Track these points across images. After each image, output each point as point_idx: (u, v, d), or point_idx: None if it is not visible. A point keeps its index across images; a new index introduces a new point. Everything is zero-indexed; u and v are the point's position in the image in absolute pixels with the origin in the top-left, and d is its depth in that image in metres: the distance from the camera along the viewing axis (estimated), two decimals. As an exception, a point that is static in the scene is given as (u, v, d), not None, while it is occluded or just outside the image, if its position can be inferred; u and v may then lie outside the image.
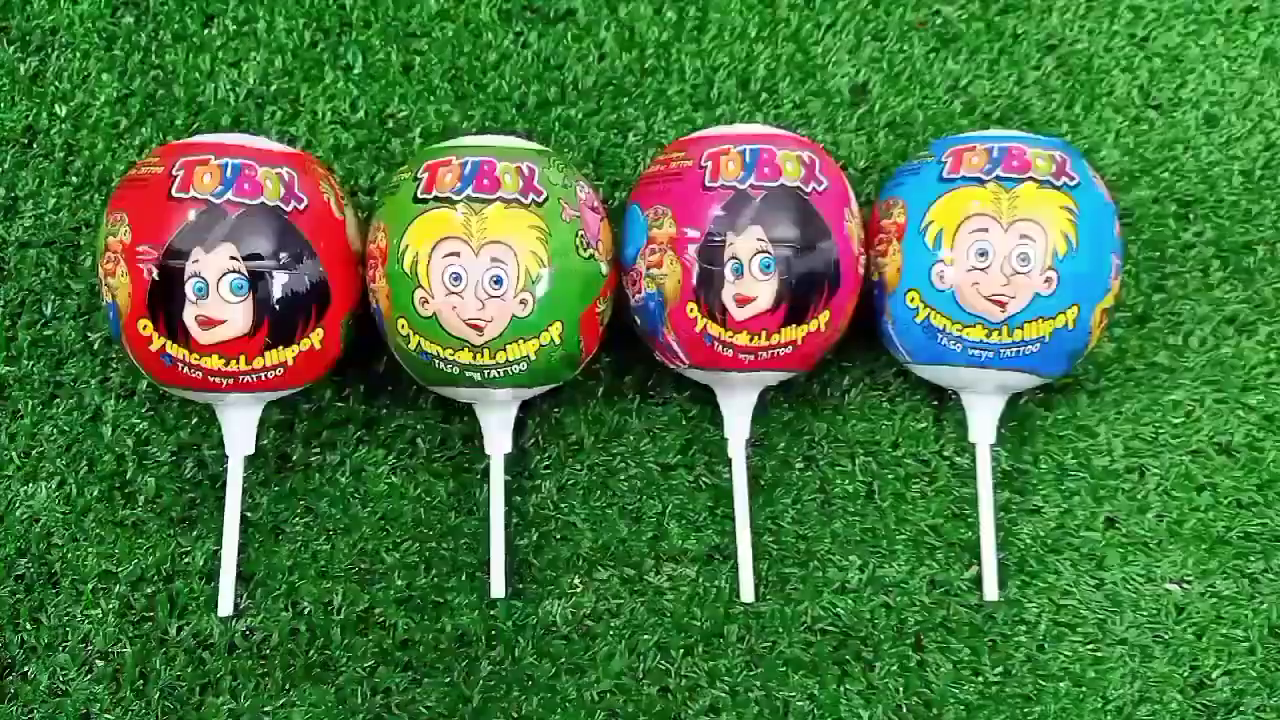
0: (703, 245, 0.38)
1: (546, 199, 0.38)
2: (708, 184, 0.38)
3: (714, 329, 0.39)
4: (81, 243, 0.46)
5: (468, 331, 0.37)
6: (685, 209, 0.39)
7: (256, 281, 0.37)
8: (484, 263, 0.37)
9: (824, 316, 0.39)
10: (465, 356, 0.38)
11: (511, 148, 0.39)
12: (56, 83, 0.47)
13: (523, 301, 0.37)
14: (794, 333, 0.39)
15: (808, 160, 0.39)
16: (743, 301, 0.38)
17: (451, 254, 0.37)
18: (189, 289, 0.36)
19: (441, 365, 0.38)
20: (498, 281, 0.37)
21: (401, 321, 0.38)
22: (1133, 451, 0.45)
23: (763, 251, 0.38)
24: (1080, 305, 0.39)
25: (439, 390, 0.41)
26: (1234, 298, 0.46)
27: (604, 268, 0.40)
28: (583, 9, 0.48)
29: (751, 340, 0.39)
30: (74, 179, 0.46)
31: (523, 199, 0.37)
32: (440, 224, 0.37)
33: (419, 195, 0.38)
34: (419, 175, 0.38)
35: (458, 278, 0.37)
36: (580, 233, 0.38)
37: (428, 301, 0.37)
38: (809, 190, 0.39)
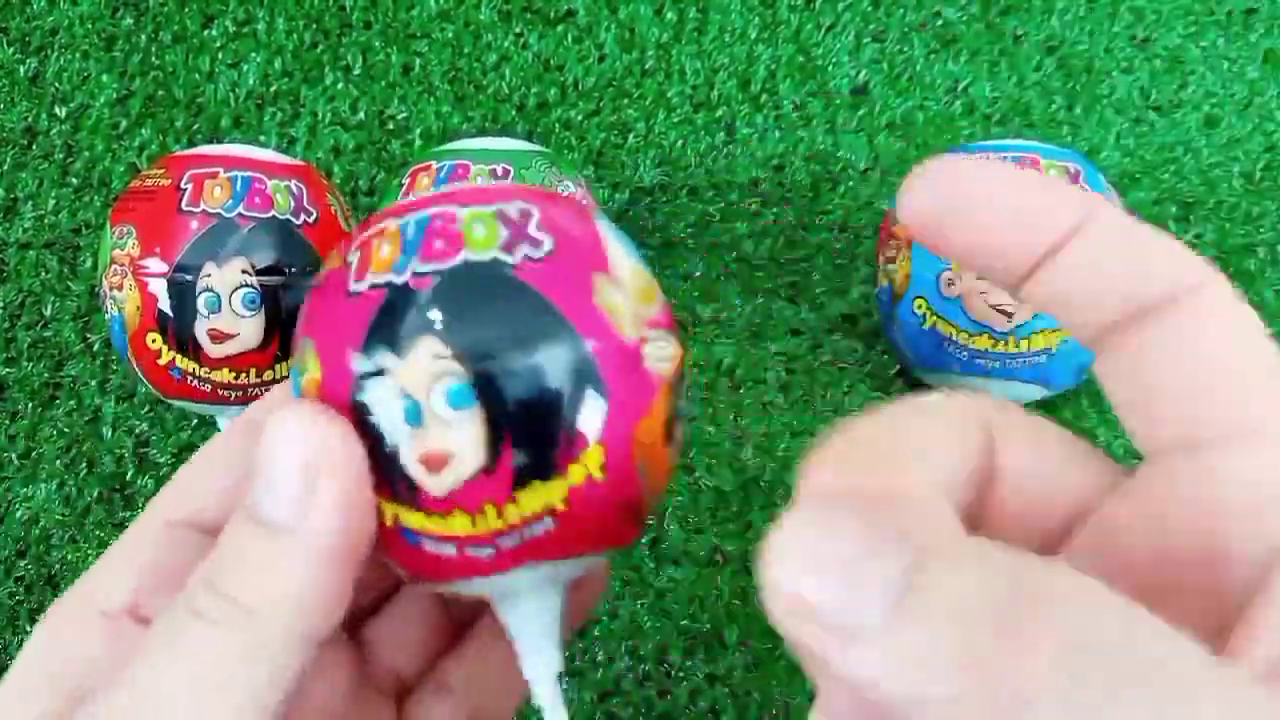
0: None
1: None
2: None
3: (409, 518, 0.19)
4: (81, 244, 0.46)
5: None
6: None
7: (269, 295, 0.37)
8: None
9: (591, 457, 0.18)
10: None
11: (493, 150, 0.39)
12: (56, 83, 0.47)
13: None
14: (536, 497, 0.18)
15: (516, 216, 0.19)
16: (435, 463, 0.18)
17: None
18: (201, 303, 0.37)
19: None
20: None
21: None
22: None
23: (451, 374, 0.18)
24: None
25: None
26: (1235, 299, 0.46)
27: None
28: (583, 10, 0.48)
29: (476, 525, 0.18)
30: (74, 180, 0.46)
31: None
32: None
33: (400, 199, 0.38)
34: (403, 180, 0.38)
35: None
36: None
37: None
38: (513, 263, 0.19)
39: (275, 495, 0.17)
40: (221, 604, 0.17)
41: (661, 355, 0.19)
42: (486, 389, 0.18)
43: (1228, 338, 0.15)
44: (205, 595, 0.17)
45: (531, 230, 0.19)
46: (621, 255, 0.20)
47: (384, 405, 0.18)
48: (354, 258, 0.19)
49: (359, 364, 0.18)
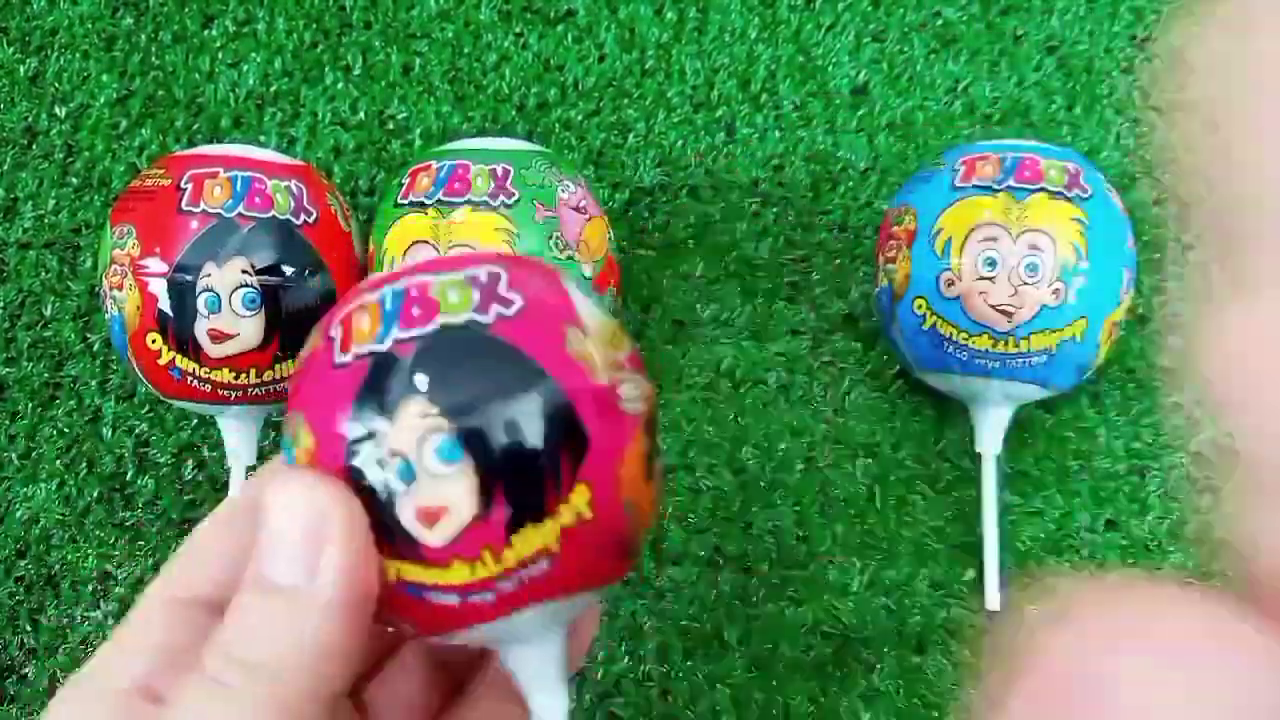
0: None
1: (518, 200, 0.38)
2: None
3: (411, 572, 0.19)
4: (81, 244, 0.46)
5: None
6: None
7: (268, 295, 0.37)
8: None
9: (578, 497, 0.19)
10: None
11: (493, 150, 0.39)
12: (56, 83, 0.47)
13: None
14: (530, 540, 0.19)
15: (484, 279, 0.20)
16: (431, 516, 0.19)
17: (422, 258, 0.37)
18: (201, 303, 0.36)
19: None
20: None
21: None
22: (1134, 453, 0.45)
23: (439, 430, 0.19)
24: (1089, 318, 0.38)
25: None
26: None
27: (588, 268, 0.40)
28: (583, 10, 0.48)
29: (475, 572, 0.19)
30: (74, 180, 0.46)
31: (491, 201, 0.37)
32: (412, 228, 0.37)
33: (398, 200, 0.38)
34: (403, 180, 0.38)
35: None
36: (555, 234, 0.38)
37: None
38: (488, 322, 0.20)
39: (283, 560, 0.18)
40: (240, 670, 0.17)
41: (634, 395, 0.20)
42: (474, 441, 0.18)
43: None
44: (224, 664, 0.18)
45: (501, 290, 0.20)
46: (588, 306, 0.21)
47: (378, 466, 0.19)
48: (336, 333, 0.20)
49: (351, 429, 0.19)
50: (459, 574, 0.19)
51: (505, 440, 0.19)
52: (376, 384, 0.19)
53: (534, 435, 0.19)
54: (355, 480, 0.19)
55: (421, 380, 0.19)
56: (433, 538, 0.19)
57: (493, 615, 0.20)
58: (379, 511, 0.19)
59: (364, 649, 0.19)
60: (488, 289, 0.20)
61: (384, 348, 0.19)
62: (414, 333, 0.19)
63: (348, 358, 0.20)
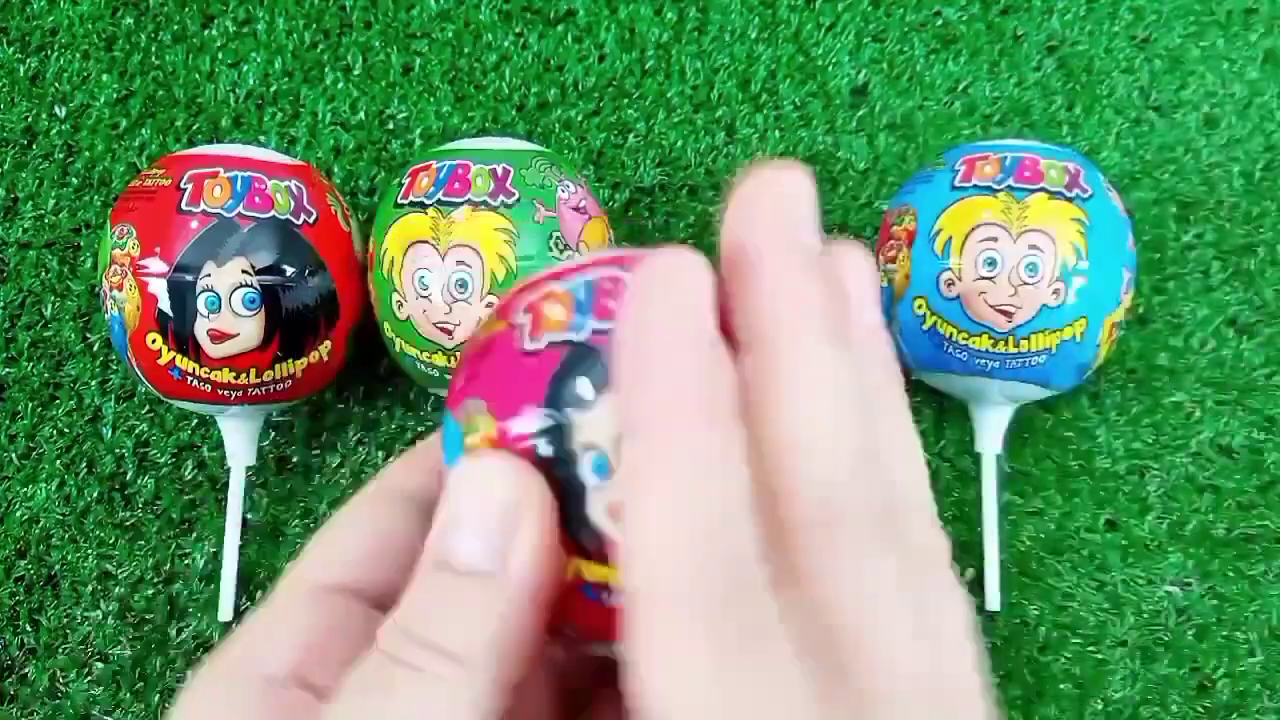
0: None
1: (518, 200, 0.38)
2: None
3: (593, 572, 0.20)
4: (81, 244, 0.46)
5: (438, 335, 0.37)
6: None
7: (268, 295, 0.37)
8: (450, 266, 0.37)
9: None
10: (440, 359, 0.38)
11: (493, 150, 0.39)
12: (56, 83, 0.47)
13: (490, 305, 0.37)
14: None
15: None
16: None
17: (422, 258, 0.37)
18: (201, 303, 0.36)
19: (423, 368, 0.39)
20: (462, 285, 0.37)
21: (387, 324, 0.39)
22: (1134, 453, 0.45)
23: None
24: (1089, 318, 0.38)
25: (436, 391, 0.41)
26: (1234, 299, 0.46)
27: None
28: (583, 10, 0.48)
29: None
30: (74, 180, 0.46)
31: (491, 201, 0.37)
32: (412, 228, 0.37)
33: (398, 200, 0.38)
34: (403, 180, 0.38)
35: (425, 282, 0.37)
36: (555, 234, 0.38)
37: (403, 305, 0.37)
38: None
39: (474, 542, 0.17)
40: (426, 652, 0.16)
41: None
42: None
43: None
44: (407, 644, 0.17)
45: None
46: None
47: (569, 458, 0.18)
48: (523, 320, 0.19)
49: (542, 420, 0.18)
50: None
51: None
52: (571, 374, 0.18)
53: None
54: (543, 470, 0.18)
55: None
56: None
57: None
58: (566, 506, 0.18)
59: (542, 642, 0.18)
60: None
61: (580, 337, 0.19)
62: (611, 324, 0.19)
63: (539, 345, 0.19)
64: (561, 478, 0.18)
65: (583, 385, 0.18)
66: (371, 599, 0.19)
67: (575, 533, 0.18)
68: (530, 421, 0.18)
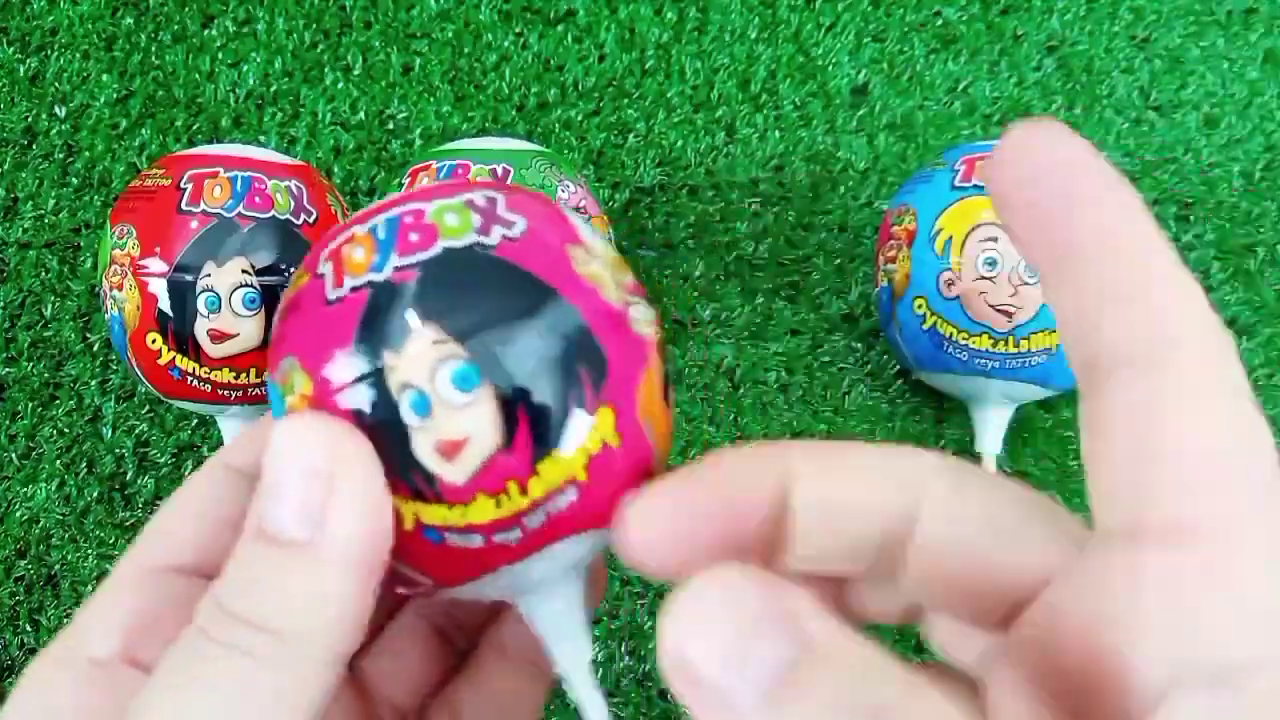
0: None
1: None
2: None
3: (430, 514, 0.18)
4: (81, 244, 0.46)
5: None
6: None
7: (269, 295, 0.37)
8: None
9: (603, 420, 0.18)
10: None
11: (493, 150, 0.39)
12: (56, 83, 0.47)
13: None
14: (557, 469, 0.18)
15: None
16: (452, 449, 0.18)
17: None
18: (201, 303, 0.36)
19: None
20: None
21: None
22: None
23: (454, 357, 0.17)
24: None
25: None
26: (1234, 299, 0.46)
27: None
28: (583, 10, 0.48)
29: (500, 507, 0.18)
30: (74, 180, 0.46)
31: None
32: None
33: None
34: (403, 180, 0.38)
35: None
36: None
37: None
38: (493, 244, 0.19)
39: (287, 508, 0.16)
40: (243, 629, 0.16)
41: (645, 318, 0.20)
42: (492, 366, 0.17)
43: (1187, 411, 0.13)
44: (223, 621, 0.16)
45: (501, 212, 0.19)
46: (587, 230, 0.20)
47: (388, 402, 0.17)
48: (326, 268, 0.19)
49: (354, 367, 0.17)
50: (483, 511, 0.18)
51: (526, 364, 0.17)
52: (378, 316, 0.18)
53: (554, 357, 0.18)
54: (362, 421, 0.17)
55: (429, 307, 0.17)
56: (454, 472, 0.17)
57: (519, 555, 0.18)
58: (392, 451, 0.17)
59: (372, 605, 0.17)
60: (487, 211, 0.19)
61: (382, 277, 0.18)
62: (415, 258, 0.18)
63: (343, 291, 0.18)
64: (385, 422, 0.17)
65: (392, 325, 0.17)
66: (213, 577, 0.18)
67: (407, 476, 0.17)
68: (344, 369, 0.17)
